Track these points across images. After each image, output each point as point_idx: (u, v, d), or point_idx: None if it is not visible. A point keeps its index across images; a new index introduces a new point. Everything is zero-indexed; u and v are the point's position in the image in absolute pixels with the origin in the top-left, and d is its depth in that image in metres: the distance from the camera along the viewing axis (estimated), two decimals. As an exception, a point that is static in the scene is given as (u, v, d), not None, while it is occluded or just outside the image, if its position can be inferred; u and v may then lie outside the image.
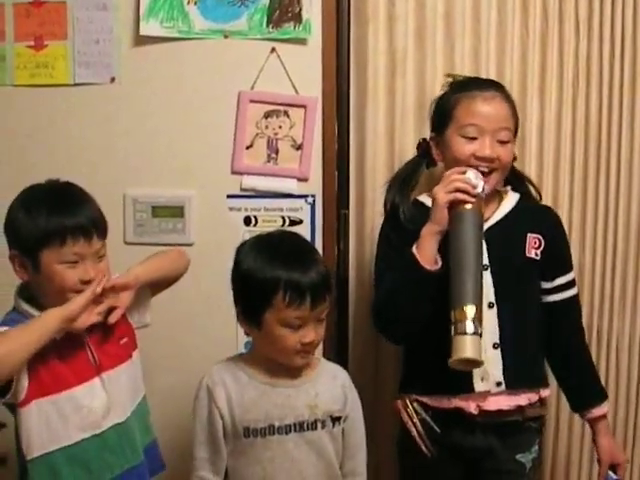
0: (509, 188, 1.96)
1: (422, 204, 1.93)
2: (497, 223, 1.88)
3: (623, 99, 2.16)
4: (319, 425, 1.73)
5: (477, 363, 1.68)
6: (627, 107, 2.17)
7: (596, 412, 1.94)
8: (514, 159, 1.94)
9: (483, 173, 1.81)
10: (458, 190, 1.75)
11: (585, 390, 1.97)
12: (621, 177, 2.20)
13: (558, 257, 1.94)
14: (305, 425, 1.72)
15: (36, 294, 1.68)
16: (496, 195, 1.93)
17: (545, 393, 1.93)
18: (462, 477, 1.93)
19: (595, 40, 2.15)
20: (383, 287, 1.87)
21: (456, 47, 2.16)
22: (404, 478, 2.00)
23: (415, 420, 1.90)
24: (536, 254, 1.88)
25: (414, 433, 1.90)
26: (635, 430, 2.29)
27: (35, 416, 1.63)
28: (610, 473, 1.93)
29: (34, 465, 1.64)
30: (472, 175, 1.76)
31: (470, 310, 1.66)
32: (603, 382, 2.22)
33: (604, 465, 1.94)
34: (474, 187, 1.75)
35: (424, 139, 2.00)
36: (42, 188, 1.71)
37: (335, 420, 1.75)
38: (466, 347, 1.65)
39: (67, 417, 1.65)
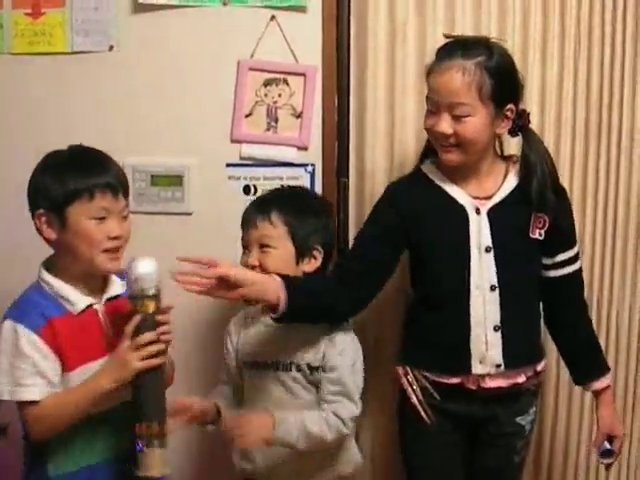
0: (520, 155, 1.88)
1: (424, 175, 1.89)
2: (501, 202, 1.82)
3: (625, 63, 2.14)
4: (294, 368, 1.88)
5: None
6: (629, 70, 2.14)
7: (597, 385, 1.94)
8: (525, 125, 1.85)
9: (446, 146, 1.77)
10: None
11: (586, 364, 1.96)
12: (622, 144, 2.18)
13: (561, 235, 1.89)
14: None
15: (60, 261, 1.69)
16: (502, 164, 1.86)
17: (541, 366, 1.93)
18: (462, 443, 1.93)
19: (597, 3, 2.12)
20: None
21: (457, 14, 2.14)
22: (404, 445, 2.00)
23: (415, 387, 1.90)
24: (540, 234, 1.84)
25: (414, 400, 1.90)
26: (635, 400, 2.28)
27: None
28: (605, 443, 1.94)
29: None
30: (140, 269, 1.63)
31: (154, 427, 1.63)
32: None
33: (601, 435, 1.95)
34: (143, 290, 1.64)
35: None
36: (64, 153, 1.72)
37: (313, 369, 1.87)
38: (154, 462, 1.62)
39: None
